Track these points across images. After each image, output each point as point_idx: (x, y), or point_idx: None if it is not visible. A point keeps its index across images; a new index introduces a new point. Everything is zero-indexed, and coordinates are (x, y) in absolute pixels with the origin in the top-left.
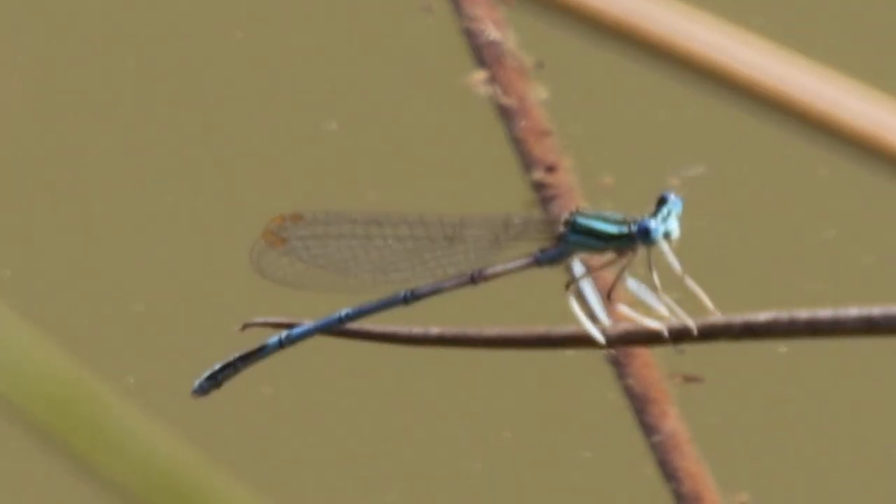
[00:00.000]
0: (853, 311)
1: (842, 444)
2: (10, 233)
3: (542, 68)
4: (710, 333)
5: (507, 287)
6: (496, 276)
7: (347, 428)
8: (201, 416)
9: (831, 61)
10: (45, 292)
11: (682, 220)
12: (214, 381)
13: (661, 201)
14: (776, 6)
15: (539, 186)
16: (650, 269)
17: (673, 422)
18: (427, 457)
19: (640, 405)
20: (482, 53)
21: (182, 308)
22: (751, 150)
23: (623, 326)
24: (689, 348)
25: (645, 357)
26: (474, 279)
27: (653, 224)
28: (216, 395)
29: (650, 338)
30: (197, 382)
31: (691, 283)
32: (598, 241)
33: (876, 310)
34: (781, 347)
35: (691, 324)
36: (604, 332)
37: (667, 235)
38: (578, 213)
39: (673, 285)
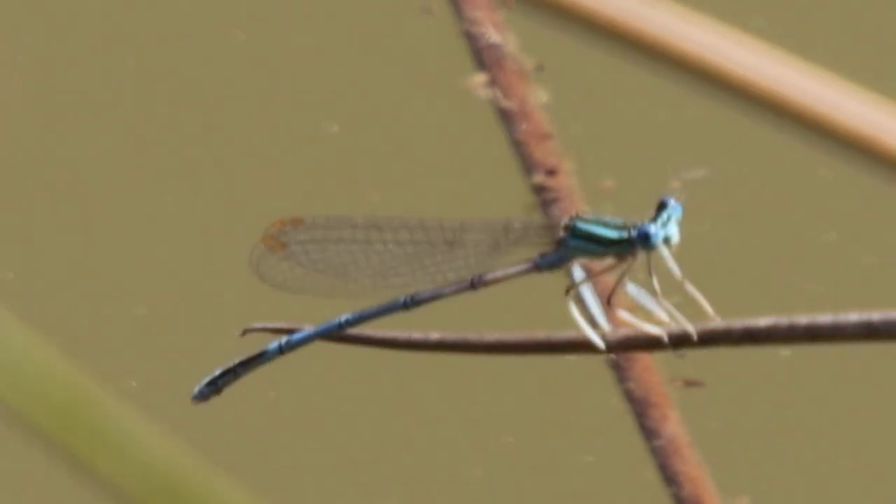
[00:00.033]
0: (853, 317)
1: (842, 449)
2: (11, 236)
3: (543, 71)
4: (710, 339)
5: (507, 292)
6: (496, 281)
7: (347, 432)
8: (201, 419)
9: (831, 64)
10: (45, 295)
11: (682, 224)
12: (214, 386)
13: (661, 206)
14: (777, 9)
15: (540, 190)
16: (650, 274)
17: (673, 426)
18: (428, 461)
19: (640, 409)
20: (482, 56)
21: (183, 310)
22: (751, 152)
23: (623, 332)
24: (690, 352)
25: (645, 361)
26: (474, 284)
27: (653, 229)
28: (216, 399)
29: (650, 343)
30: (197, 388)
31: (691, 289)
32: (598, 246)
33: (875, 315)
34: (783, 351)
35: (691, 329)
36: (604, 337)
37: (667, 240)
38: (578, 217)
39: (673, 289)
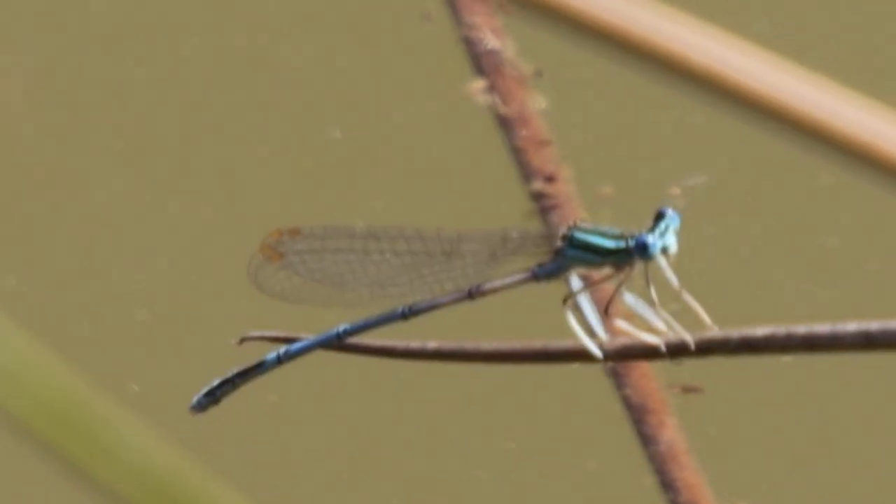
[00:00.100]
0: (851, 326)
1: (841, 455)
2: (14, 242)
3: (541, 77)
4: (708, 348)
5: (504, 300)
6: (494, 291)
7: (348, 438)
8: (200, 425)
9: (831, 71)
10: (44, 300)
11: (680, 233)
12: (213, 397)
13: (659, 216)
14: (776, 15)
15: (538, 196)
16: (648, 284)
17: (671, 432)
18: (429, 467)
19: (638, 415)
20: (481, 62)
21: (184, 316)
22: (750, 158)
23: (620, 341)
24: (688, 359)
25: (643, 368)
26: (472, 294)
27: (650, 239)
28: (215, 407)
29: (648, 353)
30: (195, 398)
31: (689, 298)
32: (596, 255)
33: (874, 325)
34: (782, 357)
35: (689, 339)
36: (601, 346)
37: (664, 250)
38: (576, 227)
39: (670, 298)
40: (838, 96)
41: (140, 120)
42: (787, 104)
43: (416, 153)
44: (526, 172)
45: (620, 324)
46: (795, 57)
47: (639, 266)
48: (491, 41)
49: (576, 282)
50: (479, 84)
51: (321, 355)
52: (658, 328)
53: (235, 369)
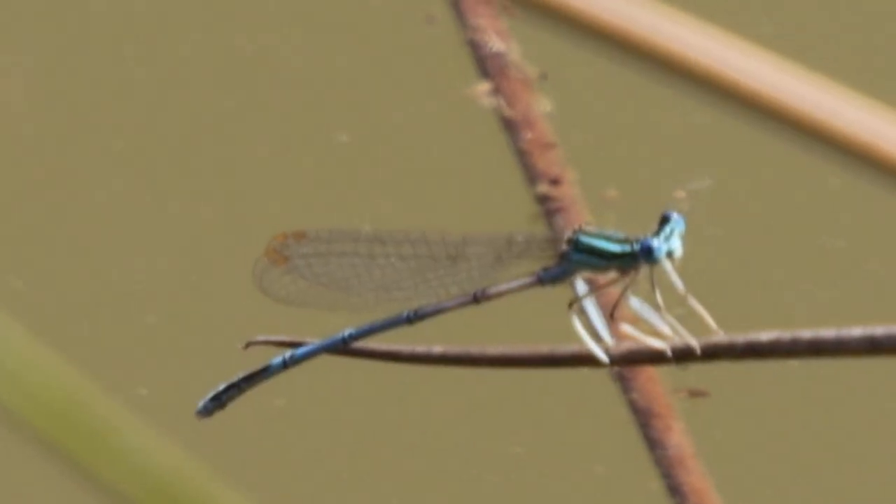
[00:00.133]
0: (856, 332)
1: (848, 459)
2: (21, 246)
3: (546, 80)
4: (713, 353)
5: (510, 304)
6: (499, 295)
7: (353, 441)
8: (206, 427)
9: (830, 70)
10: (51, 303)
11: (685, 237)
12: (218, 402)
13: (664, 220)
14: (779, 15)
15: (543, 199)
16: (653, 288)
17: (678, 436)
18: (436, 472)
19: (644, 419)
20: (486, 65)
21: (188, 318)
22: (755, 160)
23: (626, 346)
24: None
25: (649, 371)
26: (477, 299)
27: (655, 243)
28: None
29: (653, 357)
30: (201, 403)
31: (694, 303)
32: (601, 259)
33: (879, 330)
34: (790, 361)
35: (695, 344)
36: (607, 351)
37: (670, 254)
38: (581, 231)
39: (675, 302)
40: (839, 96)
41: (147, 123)
42: (788, 104)
43: (421, 156)
44: (531, 175)
45: (626, 328)
46: (797, 57)
47: (644, 270)
48: (496, 44)
49: (581, 286)
50: (483, 87)
51: (327, 358)
52: (664, 333)
53: (241, 374)
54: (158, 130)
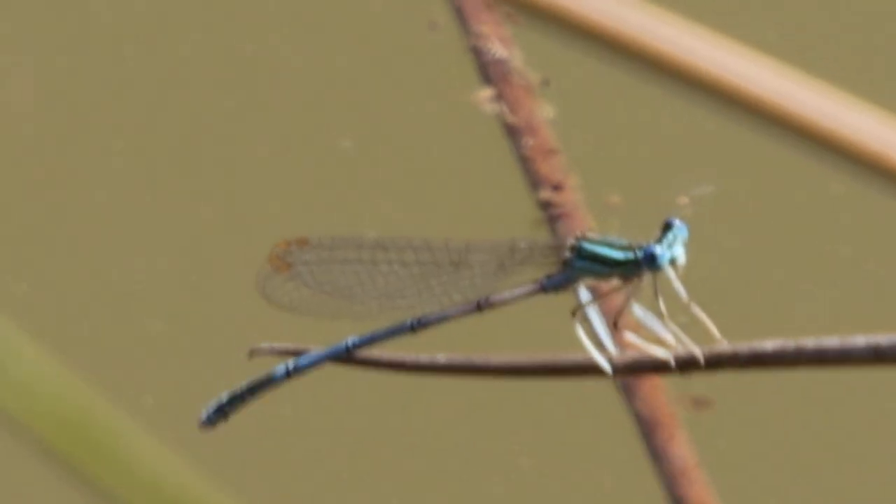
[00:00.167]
0: (860, 340)
1: (852, 469)
2: (24, 251)
3: (549, 86)
4: (717, 363)
5: (513, 308)
6: (502, 303)
7: (357, 450)
8: (210, 436)
9: (831, 75)
10: (55, 310)
11: (688, 244)
12: (222, 413)
13: (667, 227)
14: (783, 23)
15: (546, 205)
16: (656, 296)
17: (681, 446)
18: (442, 483)
19: (647, 429)
20: (489, 71)
21: (190, 323)
22: (758, 166)
23: (630, 355)
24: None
25: (653, 380)
26: (480, 307)
27: (658, 250)
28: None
29: (657, 367)
30: (205, 414)
31: (697, 311)
32: (604, 267)
33: (883, 339)
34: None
35: (698, 353)
36: (611, 360)
37: (673, 262)
38: (584, 238)
39: (679, 310)
40: (842, 102)
41: (151, 129)
42: (791, 110)
43: (424, 162)
44: (533, 181)
45: (630, 337)
46: (799, 62)
47: (647, 277)
48: (498, 50)
49: (584, 294)
50: (486, 93)
51: (332, 367)
52: (667, 341)
53: (244, 383)
54: (158, 130)
